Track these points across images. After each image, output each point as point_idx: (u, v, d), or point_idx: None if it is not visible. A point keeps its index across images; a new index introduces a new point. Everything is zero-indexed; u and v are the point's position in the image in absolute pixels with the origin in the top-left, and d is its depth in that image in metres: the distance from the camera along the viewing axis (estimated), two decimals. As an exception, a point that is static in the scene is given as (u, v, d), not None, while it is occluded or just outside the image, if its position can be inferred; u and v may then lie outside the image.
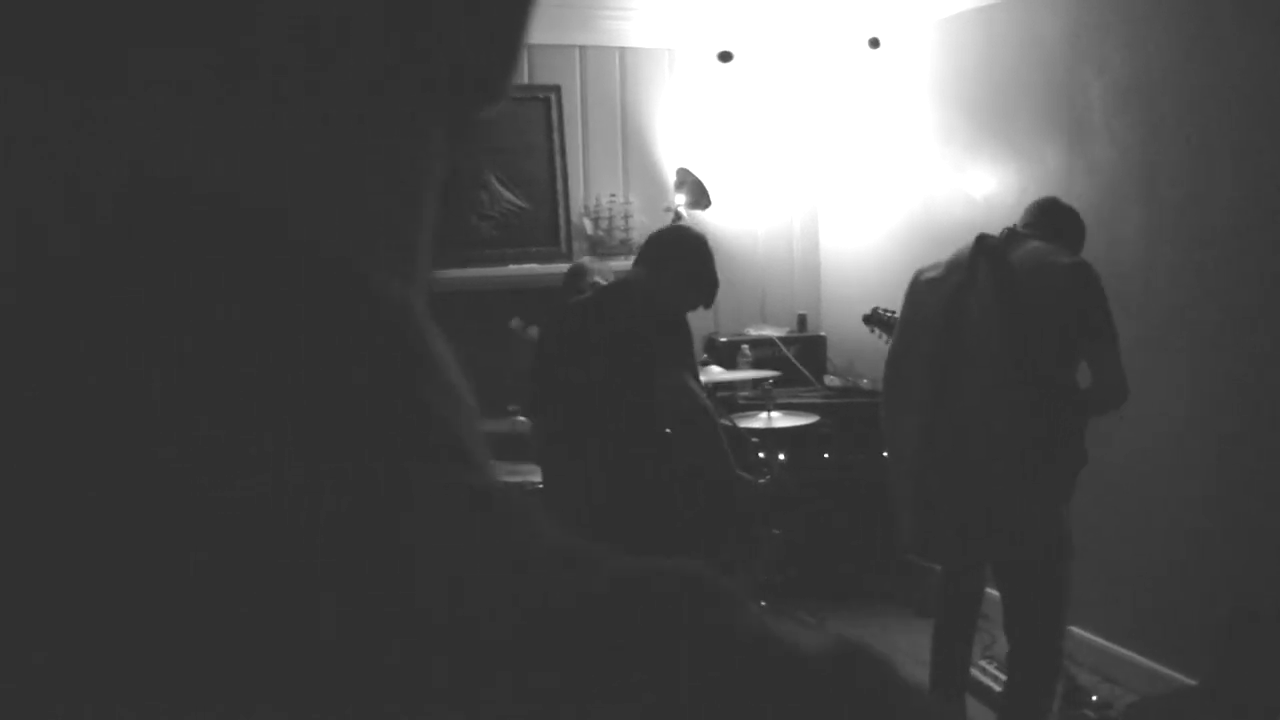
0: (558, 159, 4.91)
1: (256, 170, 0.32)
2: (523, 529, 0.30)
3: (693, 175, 4.88)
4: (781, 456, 4.26)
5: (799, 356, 4.93)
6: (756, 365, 4.73)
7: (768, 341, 4.92)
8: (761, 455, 4.18)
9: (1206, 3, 3.28)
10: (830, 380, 4.91)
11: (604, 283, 4.10)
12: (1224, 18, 3.21)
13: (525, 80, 4.88)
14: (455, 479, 0.30)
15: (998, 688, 3.36)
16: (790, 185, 5.27)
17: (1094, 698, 3.49)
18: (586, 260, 4.24)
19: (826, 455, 4.53)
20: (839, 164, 5.19)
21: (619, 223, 4.96)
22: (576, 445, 2.86)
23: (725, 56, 5.05)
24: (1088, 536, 3.05)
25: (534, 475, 3.76)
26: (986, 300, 2.68)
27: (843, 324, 4.89)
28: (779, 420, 4.21)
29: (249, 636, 0.27)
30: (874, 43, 4.78)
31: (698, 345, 4.14)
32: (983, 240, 2.78)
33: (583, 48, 4.97)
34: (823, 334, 5.15)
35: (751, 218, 5.20)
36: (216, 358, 0.28)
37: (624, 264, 4.80)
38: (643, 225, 4.95)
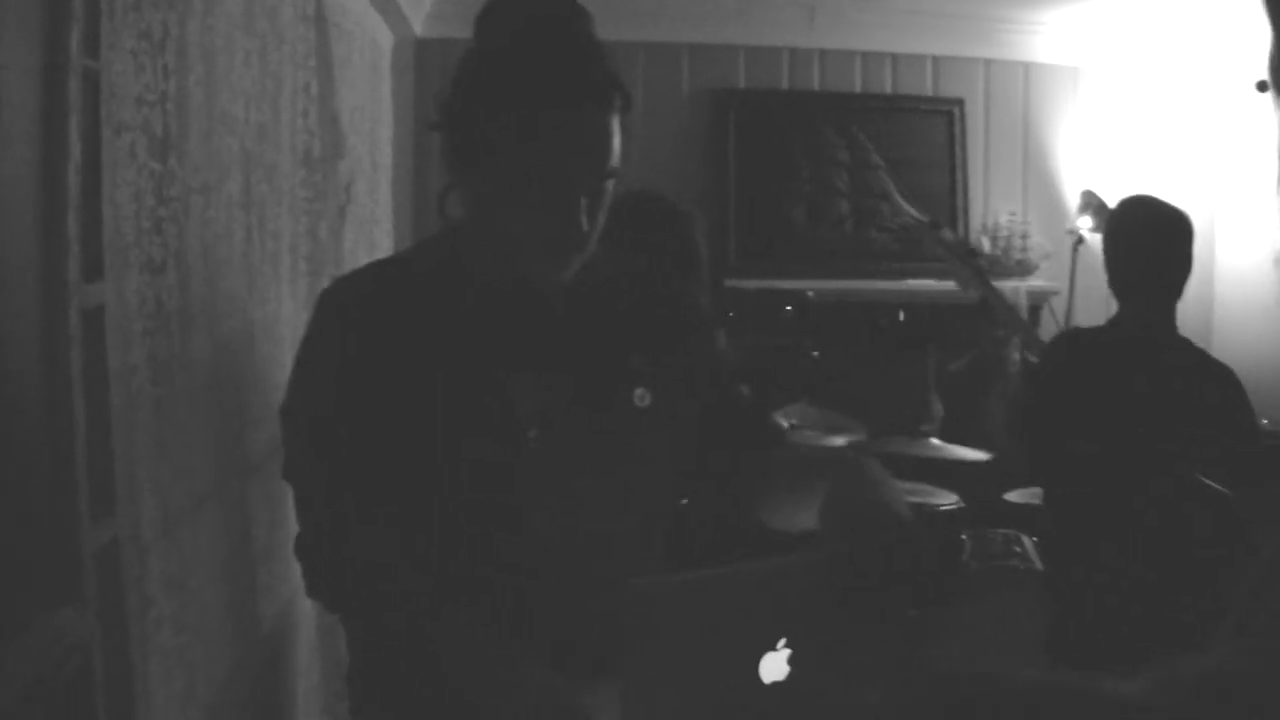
0: (958, 174, 5.38)
1: None
2: None
3: (1098, 198, 5.26)
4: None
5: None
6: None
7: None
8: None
9: None
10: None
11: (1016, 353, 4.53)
12: None
13: (929, 92, 5.41)
14: None
15: None
16: (1190, 209, 5.58)
17: None
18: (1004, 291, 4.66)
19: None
20: (1239, 189, 5.47)
21: (1016, 242, 5.38)
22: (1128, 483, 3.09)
23: (1262, 86, 5.42)
24: None
25: (937, 498, 4.23)
26: None
27: (1236, 347, 5.14)
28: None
29: None
30: (1262, 86, 5.07)
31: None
32: None
33: (988, 61, 5.43)
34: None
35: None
36: None
37: (1019, 284, 5.26)
38: (1039, 246, 5.38)
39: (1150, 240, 3.20)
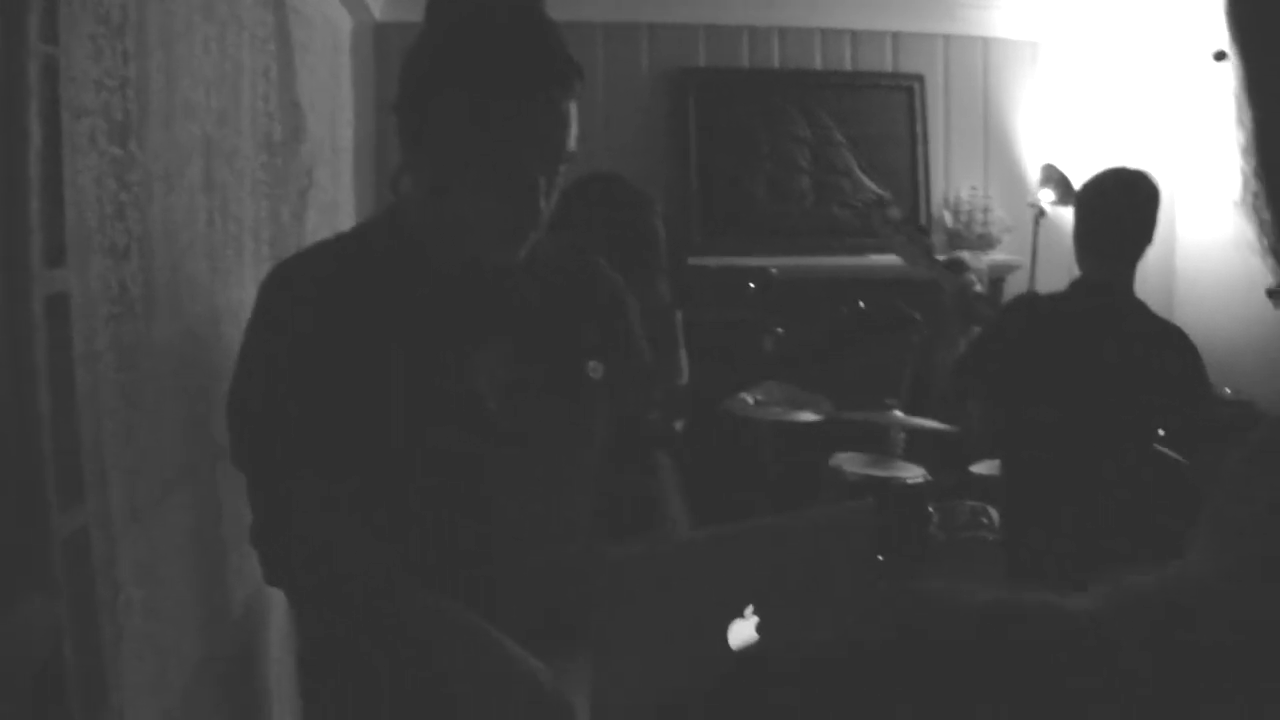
0: (919, 149, 5.42)
1: None
2: None
3: (1058, 171, 5.30)
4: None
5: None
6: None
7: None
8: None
9: None
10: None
11: (978, 284, 4.56)
12: None
13: (889, 68, 5.43)
14: None
15: None
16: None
17: None
18: (966, 256, 4.71)
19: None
20: (1199, 161, 5.53)
21: (978, 216, 5.43)
22: (1094, 444, 3.15)
23: (1220, 56, 5.48)
24: None
25: (903, 472, 4.27)
26: None
27: (1198, 321, 5.21)
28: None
29: None
30: (1219, 56, 5.14)
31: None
32: None
33: (947, 37, 5.46)
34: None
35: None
36: None
37: (983, 259, 5.30)
38: (1000, 220, 5.42)
39: (1116, 201, 3.24)
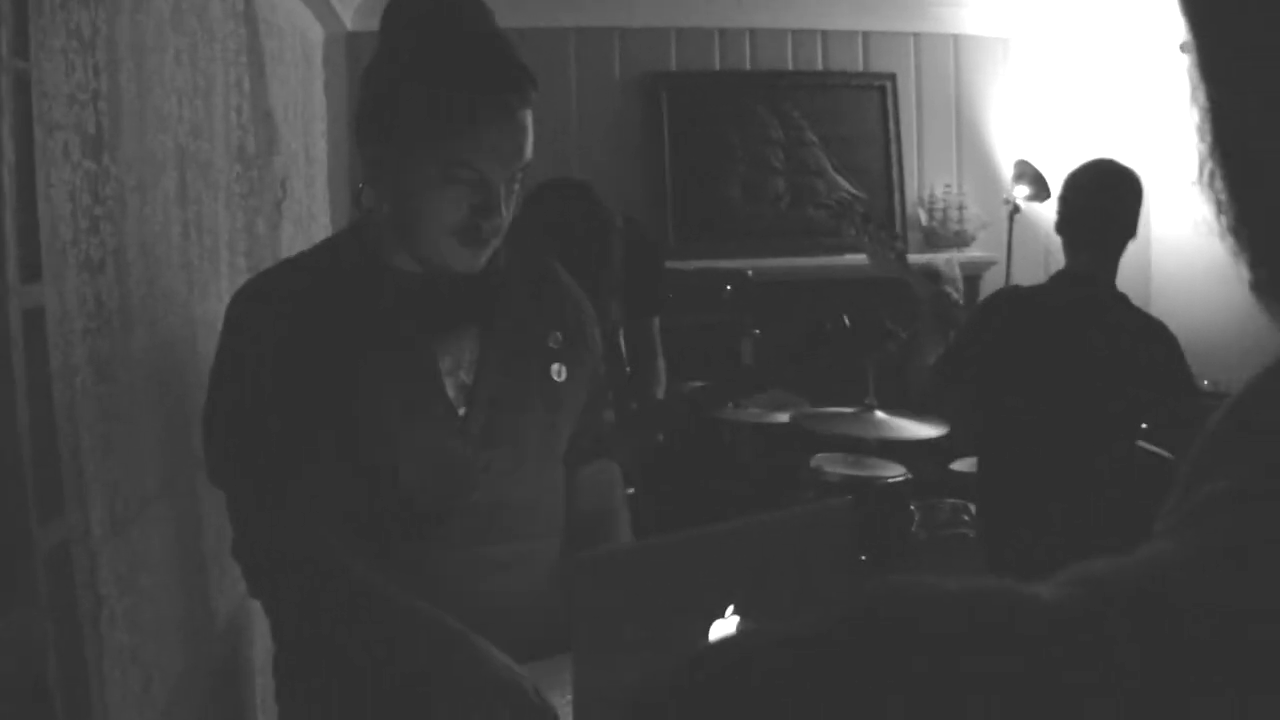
0: (893, 148, 5.44)
1: None
2: None
3: (1032, 167, 5.33)
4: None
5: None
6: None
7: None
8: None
9: None
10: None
11: (954, 293, 4.58)
12: None
13: (861, 67, 5.46)
14: None
15: None
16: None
17: None
18: (942, 262, 4.71)
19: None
20: (1172, 153, 5.57)
21: (953, 214, 5.46)
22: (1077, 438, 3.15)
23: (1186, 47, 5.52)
24: None
25: (884, 471, 4.29)
26: None
27: (1174, 315, 5.25)
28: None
29: None
30: (1185, 47, 5.18)
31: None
32: None
33: (917, 35, 5.49)
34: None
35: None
36: None
37: (957, 257, 5.32)
38: (976, 217, 5.45)
39: (1099, 193, 3.24)
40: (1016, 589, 0.52)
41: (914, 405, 4.13)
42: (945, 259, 4.81)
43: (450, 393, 1.70)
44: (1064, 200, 3.31)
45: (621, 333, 3.47)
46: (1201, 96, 0.53)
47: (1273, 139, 0.52)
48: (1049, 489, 3.14)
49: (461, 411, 1.71)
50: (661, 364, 3.61)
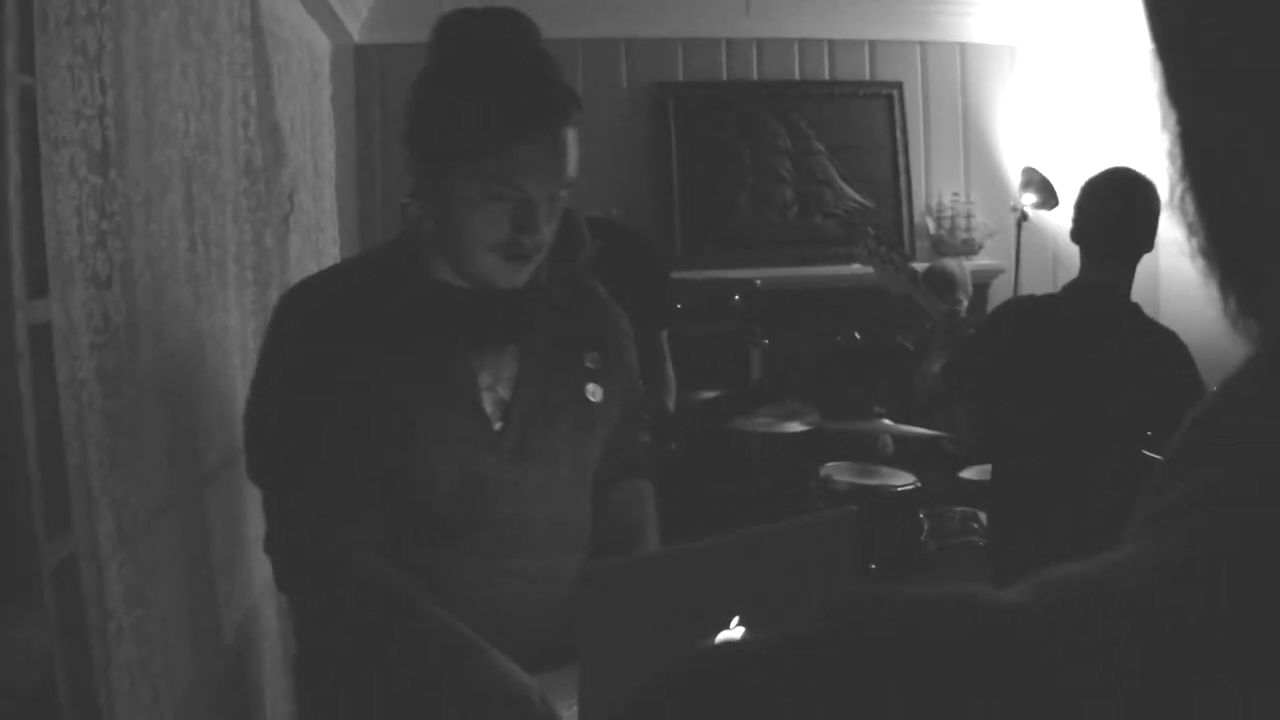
0: (900, 157, 5.44)
1: None
2: None
3: (1039, 174, 5.33)
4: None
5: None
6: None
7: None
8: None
9: None
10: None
11: (964, 294, 4.57)
12: None
13: (868, 76, 5.46)
14: None
15: None
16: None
17: None
18: (954, 267, 4.71)
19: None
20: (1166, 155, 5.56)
21: (961, 222, 5.46)
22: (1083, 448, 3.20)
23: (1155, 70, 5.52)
24: None
25: (893, 480, 4.29)
26: None
27: (1183, 322, 5.25)
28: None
29: None
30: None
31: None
32: None
33: (924, 44, 5.50)
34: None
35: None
36: None
37: (966, 264, 5.32)
38: (983, 225, 5.45)
39: (1118, 202, 3.22)
40: (970, 591, 0.52)
41: (919, 412, 4.13)
42: (956, 262, 4.82)
43: (487, 407, 1.73)
44: (1081, 209, 3.29)
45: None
46: (1171, 120, 0.54)
47: (1240, 161, 0.52)
48: (1053, 495, 3.14)
49: (497, 426, 1.73)
50: (671, 374, 3.61)
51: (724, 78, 5.31)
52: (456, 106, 1.62)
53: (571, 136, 1.65)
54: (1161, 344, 3.17)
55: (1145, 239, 3.18)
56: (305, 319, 1.71)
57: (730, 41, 5.30)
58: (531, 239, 1.64)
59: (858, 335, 4.98)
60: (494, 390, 1.74)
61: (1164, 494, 0.52)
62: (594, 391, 1.82)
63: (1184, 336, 3.25)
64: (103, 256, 1.63)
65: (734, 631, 1.28)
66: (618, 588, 1.24)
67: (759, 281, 4.74)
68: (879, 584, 0.52)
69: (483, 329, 1.74)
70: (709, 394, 4.19)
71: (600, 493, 1.88)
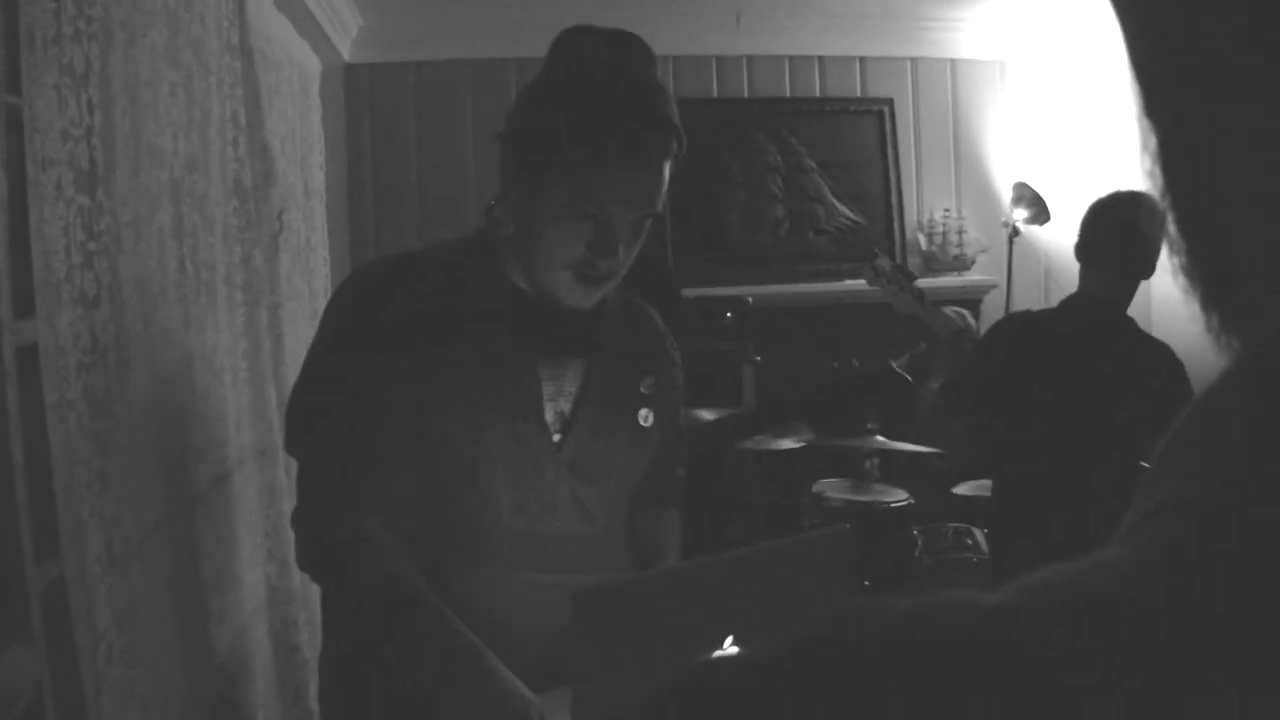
0: (891, 173, 5.46)
1: None
2: None
3: (1031, 190, 5.35)
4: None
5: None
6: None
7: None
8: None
9: None
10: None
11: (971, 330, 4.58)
12: None
13: (859, 93, 5.48)
14: None
15: None
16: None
17: None
18: (956, 319, 4.71)
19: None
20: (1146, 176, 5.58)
21: (952, 238, 5.47)
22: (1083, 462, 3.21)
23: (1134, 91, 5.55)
24: None
25: (886, 496, 4.28)
26: None
27: (1175, 334, 5.26)
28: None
29: None
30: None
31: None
32: None
33: (914, 60, 5.52)
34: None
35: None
36: None
37: (957, 281, 5.33)
38: (975, 241, 5.46)
39: (1131, 221, 3.24)
40: (955, 597, 0.52)
41: (921, 430, 4.13)
42: (958, 312, 4.83)
43: (548, 418, 1.73)
44: (1086, 228, 3.30)
45: None
46: (1151, 141, 0.54)
47: (1218, 181, 0.52)
48: (1053, 501, 3.15)
49: (556, 438, 1.73)
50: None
51: (715, 95, 5.32)
52: (561, 120, 1.62)
53: (666, 169, 1.65)
54: (1158, 355, 3.20)
55: (1147, 263, 3.20)
56: (365, 298, 1.70)
57: (721, 59, 5.32)
58: (606, 262, 1.64)
59: (856, 362, 4.99)
60: (556, 402, 1.74)
61: (1145, 500, 0.52)
62: (646, 416, 1.83)
63: (1176, 350, 3.27)
64: (90, 277, 1.62)
65: (728, 652, 1.27)
66: (610, 608, 1.23)
67: (751, 298, 4.74)
68: (871, 597, 0.52)
69: (555, 340, 1.74)
70: (706, 414, 4.19)
71: (631, 517, 1.89)
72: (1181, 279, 0.54)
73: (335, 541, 1.64)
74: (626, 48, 1.66)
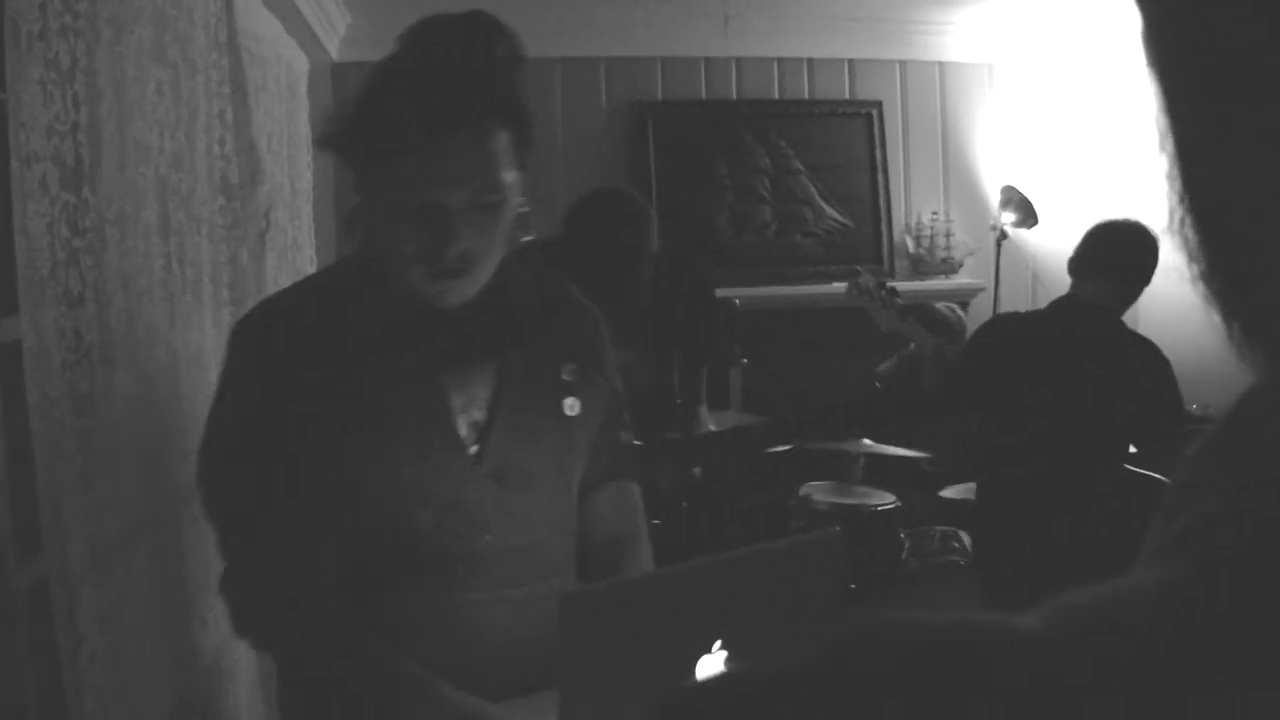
0: (879, 175, 5.46)
1: None
2: None
3: (1019, 193, 5.35)
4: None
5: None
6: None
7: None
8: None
9: None
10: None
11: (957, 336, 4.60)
12: None
13: (847, 95, 5.48)
14: None
15: None
16: (1119, 202, 5.69)
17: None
18: (945, 311, 4.72)
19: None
20: (1161, 180, 5.59)
21: (940, 241, 5.47)
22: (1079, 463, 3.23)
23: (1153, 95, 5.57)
24: None
25: (873, 499, 4.28)
26: None
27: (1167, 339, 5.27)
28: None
29: None
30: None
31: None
32: None
33: (903, 62, 5.52)
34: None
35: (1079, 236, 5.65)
36: None
37: (945, 284, 5.33)
38: (963, 244, 5.47)
39: (1139, 242, 3.27)
40: (983, 618, 0.51)
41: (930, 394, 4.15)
42: (947, 306, 4.83)
43: (462, 431, 1.64)
44: (1093, 240, 3.33)
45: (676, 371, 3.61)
46: (1169, 143, 0.53)
47: (1240, 184, 0.51)
48: (1053, 503, 3.16)
49: (473, 450, 1.64)
50: (704, 411, 3.70)
51: (703, 97, 5.32)
52: (368, 111, 1.53)
53: (493, 143, 1.53)
54: (1147, 356, 3.22)
55: (1136, 289, 3.24)
56: (260, 345, 1.62)
57: (709, 61, 5.31)
58: (452, 249, 1.52)
59: (878, 384, 4.98)
60: (469, 413, 1.64)
61: (1175, 521, 0.51)
62: (572, 405, 1.72)
63: (1166, 353, 3.29)
64: (75, 274, 1.61)
65: (716, 655, 1.26)
66: (597, 614, 1.22)
67: (738, 300, 4.74)
68: (870, 614, 0.51)
69: (452, 347, 1.64)
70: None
71: (586, 498, 1.80)
72: (1200, 287, 0.53)
73: (267, 607, 1.60)
74: (465, 27, 1.54)
